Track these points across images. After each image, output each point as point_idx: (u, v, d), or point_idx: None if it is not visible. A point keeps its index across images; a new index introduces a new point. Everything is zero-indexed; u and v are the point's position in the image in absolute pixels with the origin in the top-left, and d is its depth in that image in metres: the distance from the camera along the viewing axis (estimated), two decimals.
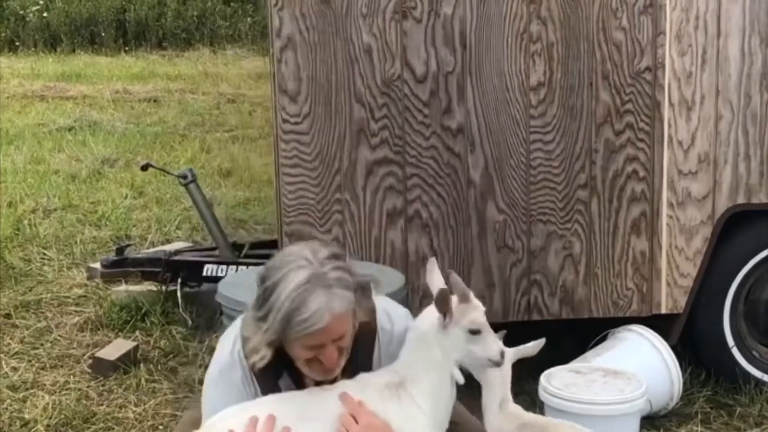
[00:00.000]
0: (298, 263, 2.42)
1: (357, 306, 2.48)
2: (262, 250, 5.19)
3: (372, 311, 2.63)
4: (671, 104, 4.09)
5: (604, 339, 4.22)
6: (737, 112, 4.12)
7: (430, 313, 2.62)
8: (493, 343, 2.60)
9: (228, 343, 2.62)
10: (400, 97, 3.99)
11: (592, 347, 4.19)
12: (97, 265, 5.66)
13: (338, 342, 2.47)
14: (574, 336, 4.41)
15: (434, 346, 2.59)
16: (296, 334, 2.38)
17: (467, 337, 2.58)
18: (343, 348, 2.50)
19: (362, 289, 2.51)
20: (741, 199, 4.17)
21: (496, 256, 4.11)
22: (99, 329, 5.11)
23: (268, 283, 2.43)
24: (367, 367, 2.66)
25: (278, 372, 2.57)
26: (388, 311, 2.74)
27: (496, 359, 2.60)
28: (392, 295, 3.48)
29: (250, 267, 4.68)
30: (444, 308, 2.56)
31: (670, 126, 4.10)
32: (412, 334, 2.65)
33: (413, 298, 4.06)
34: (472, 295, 2.62)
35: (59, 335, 5.04)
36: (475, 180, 4.06)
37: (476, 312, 2.59)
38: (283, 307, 2.37)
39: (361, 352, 2.64)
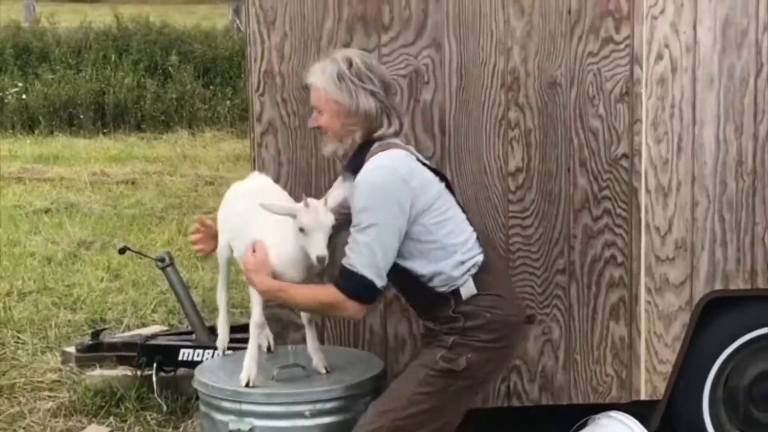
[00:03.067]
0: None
1: (341, 95, 3.29)
2: (240, 334, 5.14)
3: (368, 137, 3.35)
4: (648, 191, 4.13)
5: (584, 425, 4.19)
6: (713, 199, 4.16)
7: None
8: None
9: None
10: None
11: None
12: (72, 350, 5.59)
13: (319, 113, 3.37)
14: (554, 422, 4.38)
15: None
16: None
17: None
18: (321, 125, 3.37)
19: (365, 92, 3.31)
20: (719, 285, 4.19)
21: None
22: (73, 415, 5.03)
23: None
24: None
25: None
26: (377, 163, 3.28)
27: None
28: (372, 381, 3.47)
29: (228, 352, 4.64)
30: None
31: (647, 212, 4.14)
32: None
33: None
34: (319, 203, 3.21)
35: (32, 421, 4.96)
36: None
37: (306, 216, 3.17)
38: None
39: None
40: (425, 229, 3.25)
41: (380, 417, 3.23)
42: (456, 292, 3.27)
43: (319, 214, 3.18)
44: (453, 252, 3.27)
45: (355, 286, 3.20)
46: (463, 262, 3.27)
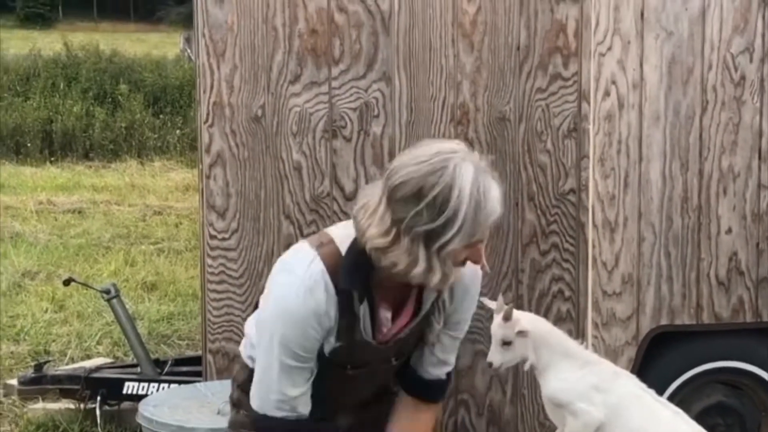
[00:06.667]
0: (455, 158, 2.25)
1: None
2: (186, 367, 5.09)
3: None
4: (595, 226, 4.16)
5: None
6: (659, 234, 4.20)
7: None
8: None
9: (300, 266, 2.36)
10: (329, 214, 4.00)
11: None
12: (14, 382, 5.49)
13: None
14: None
15: None
16: (482, 227, 2.28)
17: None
18: None
19: None
20: (664, 321, 4.22)
21: None
22: None
23: (438, 189, 2.21)
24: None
25: (362, 296, 2.39)
26: None
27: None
28: None
29: (173, 385, 4.58)
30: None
31: (594, 247, 4.17)
32: None
33: None
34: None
35: None
36: None
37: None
38: (471, 204, 2.23)
39: None
40: None
41: None
42: None
43: None
44: None
45: None
46: None
